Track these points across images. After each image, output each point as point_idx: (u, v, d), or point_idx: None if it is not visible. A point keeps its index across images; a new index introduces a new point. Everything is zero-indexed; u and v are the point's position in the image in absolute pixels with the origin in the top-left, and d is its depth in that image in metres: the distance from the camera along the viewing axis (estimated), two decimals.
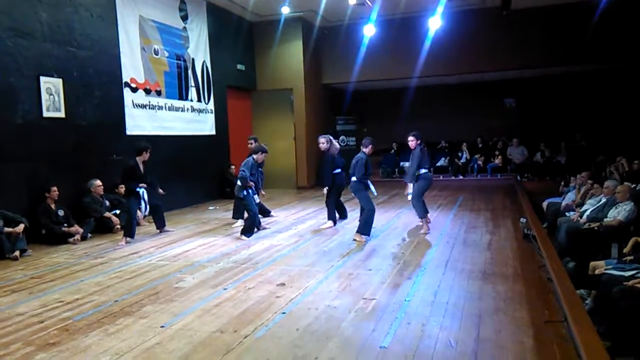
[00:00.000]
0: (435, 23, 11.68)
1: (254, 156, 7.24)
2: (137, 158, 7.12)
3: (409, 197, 7.26)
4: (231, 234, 7.38)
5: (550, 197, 9.18)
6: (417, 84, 14.73)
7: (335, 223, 7.78)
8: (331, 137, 7.87)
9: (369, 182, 6.88)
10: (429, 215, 7.26)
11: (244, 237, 6.99)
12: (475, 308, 3.95)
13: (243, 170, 7.07)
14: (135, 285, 4.90)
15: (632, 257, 4.66)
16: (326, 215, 7.87)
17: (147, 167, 7.28)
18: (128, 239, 7.04)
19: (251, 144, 8.12)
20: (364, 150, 6.90)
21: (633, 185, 6.70)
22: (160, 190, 7.62)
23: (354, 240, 6.61)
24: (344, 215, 8.22)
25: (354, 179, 6.81)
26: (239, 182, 7.06)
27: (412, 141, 7.10)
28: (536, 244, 5.89)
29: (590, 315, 3.70)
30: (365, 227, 6.70)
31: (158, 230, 7.71)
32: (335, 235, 7.10)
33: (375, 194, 7.09)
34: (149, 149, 7.23)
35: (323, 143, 7.73)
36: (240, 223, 7.83)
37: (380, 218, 8.27)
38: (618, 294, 3.80)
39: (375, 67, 13.48)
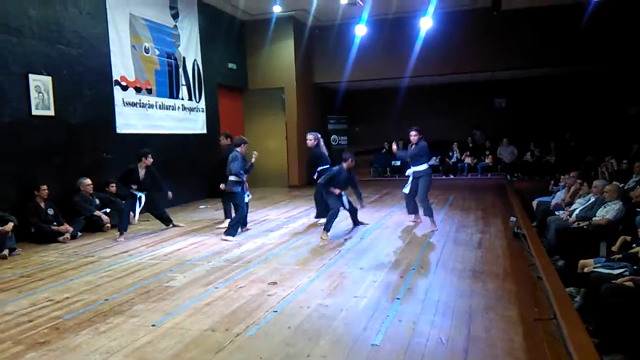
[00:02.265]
0: (426, 23, 11.72)
1: (238, 149, 7.03)
2: (139, 164, 7.34)
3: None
4: (221, 234, 7.33)
5: (540, 196, 9.25)
6: (408, 83, 14.77)
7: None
8: (319, 136, 7.91)
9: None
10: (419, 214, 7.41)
11: (228, 238, 6.80)
12: (466, 306, 3.98)
13: (233, 164, 6.84)
14: (125, 284, 4.87)
15: (620, 256, 4.71)
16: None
17: (150, 173, 7.44)
18: (123, 234, 7.17)
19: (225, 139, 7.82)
20: (343, 164, 6.94)
21: (621, 185, 6.78)
22: (169, 194, 7.70)
23: (322, 238, 6.67)
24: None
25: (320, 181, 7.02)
26: (232, 177, 6.91)
27: (414, 135, 7.28)
28: (526, 243, 5.93)
29: (579, 312, 3.74)
30: (330, 225, 6.87)
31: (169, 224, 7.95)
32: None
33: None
34: (149, 154, 7.39)
35: (311, 140, 7.84)
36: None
37: (372, 217, 8.30)
38: (607, 291, 3.84)
39: (367, 67, 13.51)
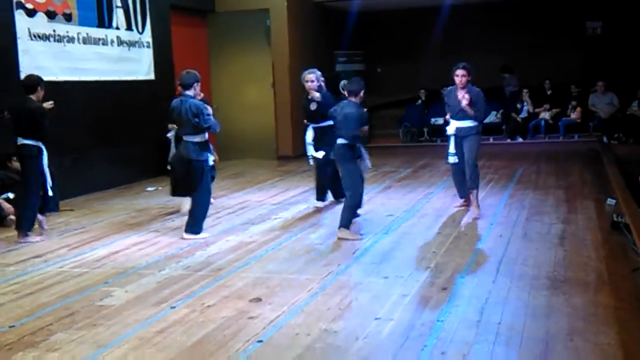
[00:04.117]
0: None
1: (191, 92, 6.71)
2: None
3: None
4: (178, 228, 7.35)
5: None
6: (454, 1, 14.63)
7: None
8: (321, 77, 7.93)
9: (362, 148, 6.86)
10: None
11: (188, 237, 6.79)
12: (541, 330, 4.00)
13: (208, 116, 6.64)
14: (39, 304, 4.90)
15: None
16: None
17: None
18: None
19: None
20: (352, 99, 6.73)
21: None
22: None
23: (342, 238, 6.54)
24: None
25: (340, 141, 6.68)
26: (198, 138, 6.69)
27: (463, 76, 7.26)
28: (630, 237, 5.93)
29: None
30: (347, 219, 6.66)
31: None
32: (334, 227, 7.10)
33: (370, 166, 7.05)
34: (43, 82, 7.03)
35: (313, 81, 7.80)
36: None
37: (403, 200, 8.30)
38: None
39: None
